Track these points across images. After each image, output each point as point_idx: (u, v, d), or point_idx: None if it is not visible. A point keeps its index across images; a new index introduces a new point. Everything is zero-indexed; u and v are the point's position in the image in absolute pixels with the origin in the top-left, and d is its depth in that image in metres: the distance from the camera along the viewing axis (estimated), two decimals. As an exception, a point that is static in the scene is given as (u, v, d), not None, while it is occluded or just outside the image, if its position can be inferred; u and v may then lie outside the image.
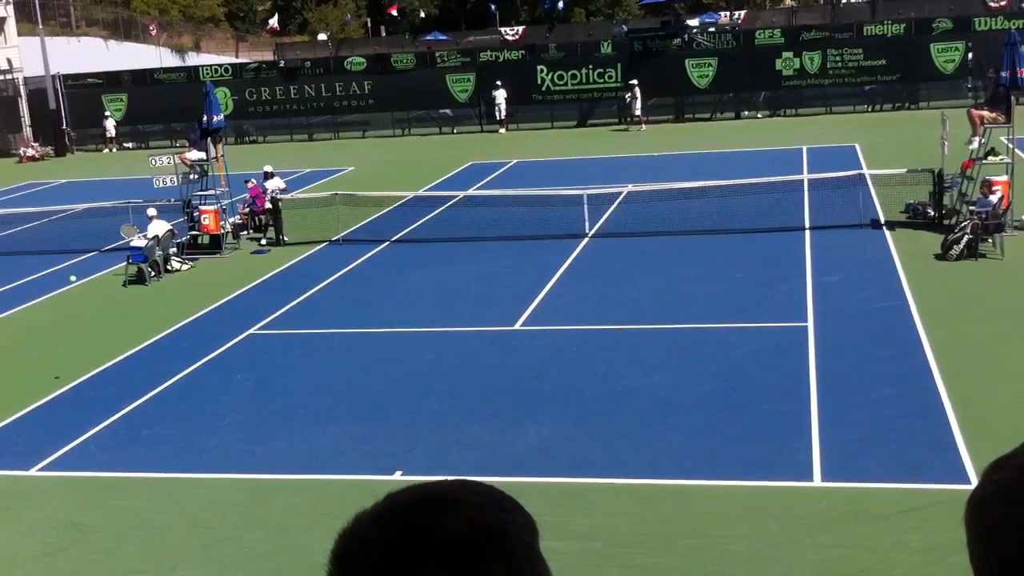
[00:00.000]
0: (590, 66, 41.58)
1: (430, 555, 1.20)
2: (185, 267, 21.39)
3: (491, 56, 43.28)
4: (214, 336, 16.23)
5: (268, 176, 23.95)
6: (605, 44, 43.02)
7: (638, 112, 38.92)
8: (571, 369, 13.77)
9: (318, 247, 22.22)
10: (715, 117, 40.73)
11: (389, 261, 20.74)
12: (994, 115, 19.91)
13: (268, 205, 23.39)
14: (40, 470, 11.71)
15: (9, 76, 46.84)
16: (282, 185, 24.18)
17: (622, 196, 24.13)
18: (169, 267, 21.02)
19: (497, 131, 41.50)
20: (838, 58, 39.33)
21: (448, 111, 43.28)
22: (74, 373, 14.86)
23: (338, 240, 22.50)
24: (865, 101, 39.87)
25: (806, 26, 45.14)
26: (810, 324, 14.81)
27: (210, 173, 23.13)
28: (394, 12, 65.40)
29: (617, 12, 76.52)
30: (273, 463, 11.39)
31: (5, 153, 45.68)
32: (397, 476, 10.65)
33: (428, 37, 64.98)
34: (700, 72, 40.52)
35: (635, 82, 39.05)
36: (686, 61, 40.53)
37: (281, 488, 10.86)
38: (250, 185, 24.37)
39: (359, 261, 20.74)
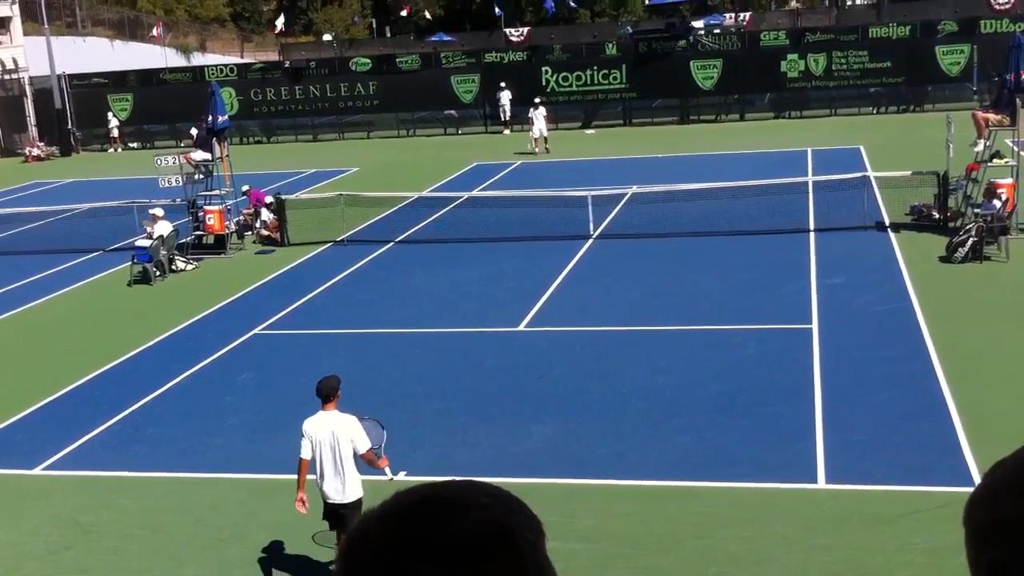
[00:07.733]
0: (595, 67, 41.53)
1: (436, 555, 1.21)
2: (190, 267, 21.41)
3: (496, 57, 43.26)
4: (219, 336, 16.25)
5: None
6: (610, 45, 42.98)
7: (537, 134, 35.48)
8: (576, 370, 13.77)
9: (323, 247, 22.23)
10: (720, 119, 40.70)
11: (393, 262, 20.75)
12: (999, 118, 19.89)
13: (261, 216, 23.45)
14: (44, 469, 11.74)
15: (14, 76, 46.89)
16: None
17: (627, 197, 24.13)
18: (174, 267, 21.05)
19: (502, 132, 41.49)
20: (843, 60, 39.25)
21: (453, 112, 43.26)
22: (79, 372, 14.89)
23: (343, 241, 22.51)
24: (870, 103, 39.80)
25: (811, 28, 45.12)
26: (815, 326, 14.80)
27: (215, 173, 23.17)
28: (405, 13, 65.32)
29: (622, 13, 76.46)
30: (277, 463, 11.37)
31: (10, 153, 45.74)
32: (401, 476, 10.64)
33: (433, 38, 64.99)
34: (705, 74, 40.48)
35: (538, 100, 36.96)
36: (691, 63, 40.48)
37: (285, 488, 10.84)
38: (247, 189, 24.30)
39: (363, 262, 20.75)
